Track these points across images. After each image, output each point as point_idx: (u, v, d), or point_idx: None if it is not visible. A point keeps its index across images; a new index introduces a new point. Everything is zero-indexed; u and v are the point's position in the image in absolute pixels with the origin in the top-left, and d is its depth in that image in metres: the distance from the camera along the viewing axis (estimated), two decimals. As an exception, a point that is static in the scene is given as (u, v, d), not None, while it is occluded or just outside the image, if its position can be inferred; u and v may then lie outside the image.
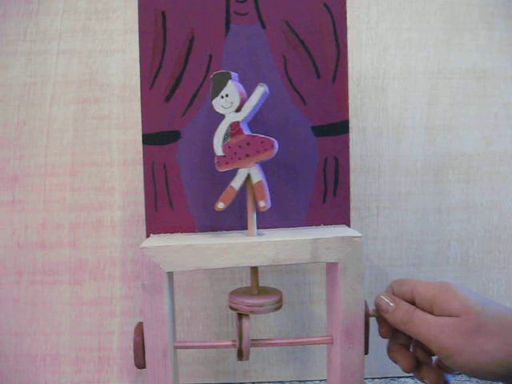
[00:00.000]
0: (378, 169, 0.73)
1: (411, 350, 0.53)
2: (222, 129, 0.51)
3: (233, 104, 0.50)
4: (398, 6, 0.74)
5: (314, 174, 0.57)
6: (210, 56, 0.55)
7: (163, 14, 0.54)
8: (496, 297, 0.75)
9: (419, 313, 0.48)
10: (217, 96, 0.50)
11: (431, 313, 0.48)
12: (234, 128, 0.51)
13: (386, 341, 0.54)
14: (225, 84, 0.50)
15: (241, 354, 0.52)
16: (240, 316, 0.53)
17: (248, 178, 0.51)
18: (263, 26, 0.55)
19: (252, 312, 0.52)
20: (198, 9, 0.55)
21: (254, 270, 0.55)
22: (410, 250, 0.74)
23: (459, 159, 0.74)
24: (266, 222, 0.56)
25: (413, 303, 0.50)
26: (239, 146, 0.50)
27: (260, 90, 0.51)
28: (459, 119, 0.75)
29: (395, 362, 0.52)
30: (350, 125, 0.57)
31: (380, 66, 0.74)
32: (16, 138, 0.72)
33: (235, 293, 0.55)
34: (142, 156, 0.55)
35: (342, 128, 0.57)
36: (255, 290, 0.55)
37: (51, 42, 0.72)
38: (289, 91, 0.56)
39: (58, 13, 0.72)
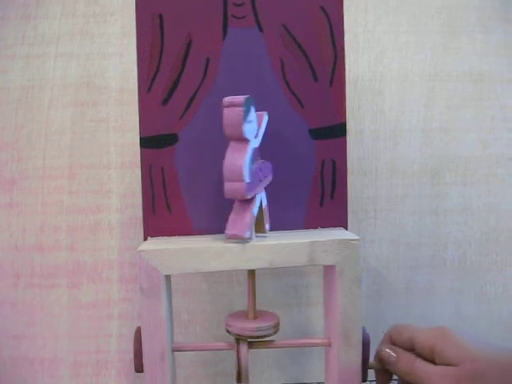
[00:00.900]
0: (375, 171, 0.74)
1: None
2: (249, 155, 0.48)
3: (254, 130, 0.50)
4: (395, 9, 0.74)
5: (312, 177, 0.57)
6: (208, 59, 0.55)
7: (161, 17, 0.55)
8: (493, 299, 0.75)
9: (420, 363, 0.49)
10: (245, 121, 0.47)
11: (432, 360, 0.48)
12: (254, 154, 0.50)
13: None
14: (250, 109, 0.48)
15: (240, 378, 0.53)
16: (237, 340, 0.53)
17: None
18: (260, 30, 0.56)
19: (250, 337, 0.53)
20: (196, 12, 0.55)
21: (251, 273, 0.55)
22: (407, 252, 0.74)
23: (456, 162, 0.75)
24: (264, 224, 0.56)
25: (413, 350, 0.50)
26: (255, 172, 0.50)
27: (266, 119, 0.52)
28: (456, 122, 0.75)
29: None
30: (348, 127, 0.57)
31: (377, 68, 0.74)
32: (14, 141, 0.72)
33: (232, 316, 0.55)
34: (139, 159, 0.56)
35: (339, 131, 0.57)
36: (252, 313, 0.55)
37: (49, 45, 0.72)
38: (286, 94, 0.56)
39: (56, 16, 0.72)
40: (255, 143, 0.50)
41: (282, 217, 0.56)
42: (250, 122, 0.48)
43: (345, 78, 0.56)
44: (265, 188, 0.53)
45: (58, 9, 0.72)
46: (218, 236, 0.55)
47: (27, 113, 0.72)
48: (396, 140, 0.74)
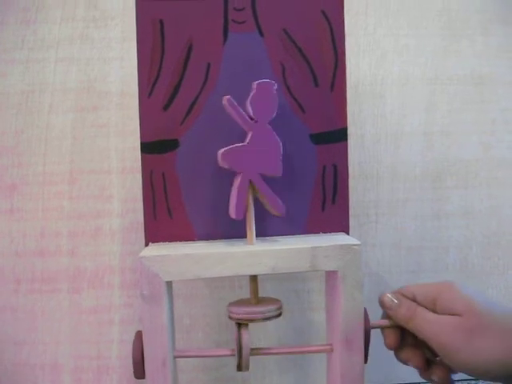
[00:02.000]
0: (377, 175, 0.74)
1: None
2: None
3: None
4: (395, 12, 0.74)
5: (313, 182, 0.57)
6: (208, 64, 0.55)
7: (161, 22, 0.54)
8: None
9: (421, 310, 0.49)
10: None
11: (434, 311, 0.48)
12: None
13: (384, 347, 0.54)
14: None
15: (240, 366, 0.52)
16: (239, 326, 0.53)
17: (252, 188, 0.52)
18: (261, 34, 0.56)
19: (251, 320, 0.52)
20: (196, 17, 0.55)
21: (253, 279, 0.54)
22: (408, 256, 0.74)
23: (457, 165, 0.75)
24: (265, 230, 0.56)
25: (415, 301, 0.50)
26: None
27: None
28: (457, 125, 0.75)
29: (405, 363, 0.52)
30: (349, 132, 0.57)
31: (378, 72, 0.74)
32: (14, 147, 0.72)
33: (234, 303, 0.55)
34: (140, 164, 0.55)
35: (340, 135, 0.57)
36: (254, 299, 0.55)
37: (49, 49, 0.72)
38: (287, 99, 0.56)
39: (55, 21, 0.72)
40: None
41: (283, 222, 0.56)
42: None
43: (346, 82, 0.56)
44: (266, 179, 0.53)
45: (57, 13, 0.72)
46: (219, 242, 0.55)
47: (27, 118, 0.72)
48: (397, 144, 0.74)
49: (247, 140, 0.51)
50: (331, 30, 0.56)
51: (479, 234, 0.75)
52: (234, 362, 0.53)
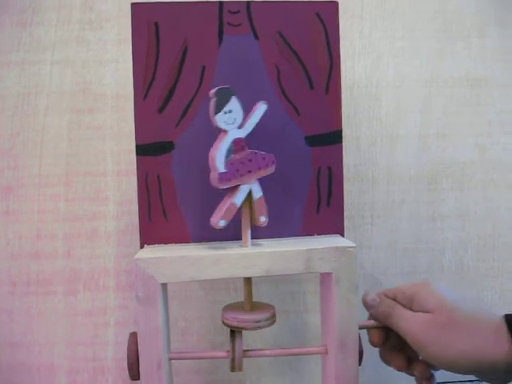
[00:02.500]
0: (372, 177, 0.74)
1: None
2: (225, 145, 0.50)
3: (236, 120, 0.50)
4: (390, 14, 0.74)
5: (308, 184, 0.57)
6: (203, 67, 0.55)
7: (156, 25, 0.54)
8: (490, 305, 0.75)
9: (399, 308, 0.51)
10: (219, 111, 0.49)
11: (411, 309, 0.51)
12: (238, 144, 0.50)
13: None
14: (228, 100, 0.50)
15: (233, 367, 0.53)
16: (233, 332, 0.53)
17: (249, 193, 0.51)
18: (256, 37, 0.56)
19: (244, 328, 0.53)
20: (191, 20, 0.55)
21: (248, 281, 0.55)
22: (404, 258, 0.74)
23: (453, 167, 0.75)
24: (260, 232, 0.56)
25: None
26: (241, 163, 0.50)
27: (263, 108, 0.51)
28: (452, 127, 0.75)
29: (388, 364, 0.55)
30: (344, 134, 0.58)
31: (373, 74, 0.74)
32: (10, 149, 0.72)
33: (228, 308, 0.55)
34: (135, 166, 0.55)
35: (335, 138, 0.57)
36: (248, 305, 0.55)
37: (45, 52, 0.72)
38: (282, 102, 0.56)
39: (51, 23, 0.72)
40: (239, 133, 0.51)
41: (278, 224, 0.56)
42: (228, 112, 0.50)
43: (340, 85, 0.57)
44: (261, 181, 0.53)
45: (53, 15, 0.72)
46: (214, 244, 0.55)
47: (23, 120, 0.72)
48: (392, 146, 0.74)
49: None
50: (326, 32, 0.56)
51: (475, 236, 0.75)
52: (228, 364, 0.53)
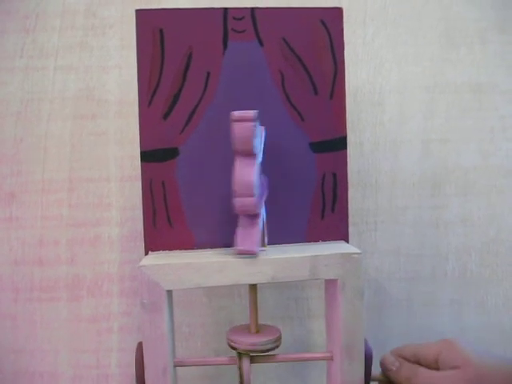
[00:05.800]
0: (375, 183, 0.74)
1: None
2: (258, 170, 0.49)
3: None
4: (393, 21, 0.74)
5: (313, 190, 0.57)
6: (208, 73, 0.55)
7: (161, 31, 0.55)
8: (494, 311, 0.75)
9: (423, 369, 0.51)
10: (255, 136, 0.48)
11: (436, 369, 0.50)
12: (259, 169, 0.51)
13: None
14: (258, 125, 0.49)
15: None
16: (240, 355, 0.53)
17: None
18: (261, 44, 0.56)
19: (252, 351, 0.53)
20: (196, 26, 0.55)
21: (253, 288, 0.55)
22: (407, 263, 0.74)
23: (456, 173, 0.75)
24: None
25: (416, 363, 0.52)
26: (261, 187, 0.51)
27: (264, 134, 0.52)
28: (455, 133, 0.75)
29: None
30: (347, 139, 0.57)
31: (376, 80, 0.74)
32: (13, 155, 0.71)
33: (234, 331, 0.55)
34: (139, 172, 0.55)
35: (339, 144, 0.57)
36: (254, 327, 0.55)
37: (48, 58, 0.72)
38: (287, 108, 0.56)
39: (55, 29, 0.72)
40: (259, 158, 0.50)
41: (283, 230, 0.56)
42: (258, 136, 0.49)
43: (345, 91, 0.57)
44: (264, 202, 0.53)
45: (57, 21, 0.72)
46: (219, 250, 0.55)
47: (26, 126, 0.72)
48: (396, 151, 0.74)
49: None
50: (330, 39, 0.56)
51: (478, 242, 0.75)
52: (232, 371, 0.53)
